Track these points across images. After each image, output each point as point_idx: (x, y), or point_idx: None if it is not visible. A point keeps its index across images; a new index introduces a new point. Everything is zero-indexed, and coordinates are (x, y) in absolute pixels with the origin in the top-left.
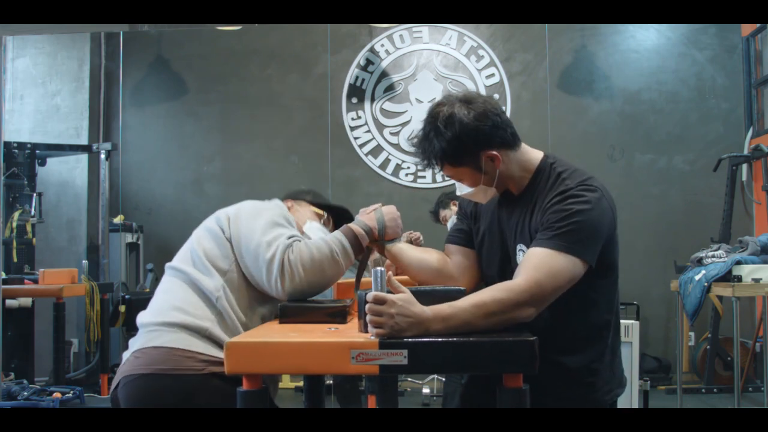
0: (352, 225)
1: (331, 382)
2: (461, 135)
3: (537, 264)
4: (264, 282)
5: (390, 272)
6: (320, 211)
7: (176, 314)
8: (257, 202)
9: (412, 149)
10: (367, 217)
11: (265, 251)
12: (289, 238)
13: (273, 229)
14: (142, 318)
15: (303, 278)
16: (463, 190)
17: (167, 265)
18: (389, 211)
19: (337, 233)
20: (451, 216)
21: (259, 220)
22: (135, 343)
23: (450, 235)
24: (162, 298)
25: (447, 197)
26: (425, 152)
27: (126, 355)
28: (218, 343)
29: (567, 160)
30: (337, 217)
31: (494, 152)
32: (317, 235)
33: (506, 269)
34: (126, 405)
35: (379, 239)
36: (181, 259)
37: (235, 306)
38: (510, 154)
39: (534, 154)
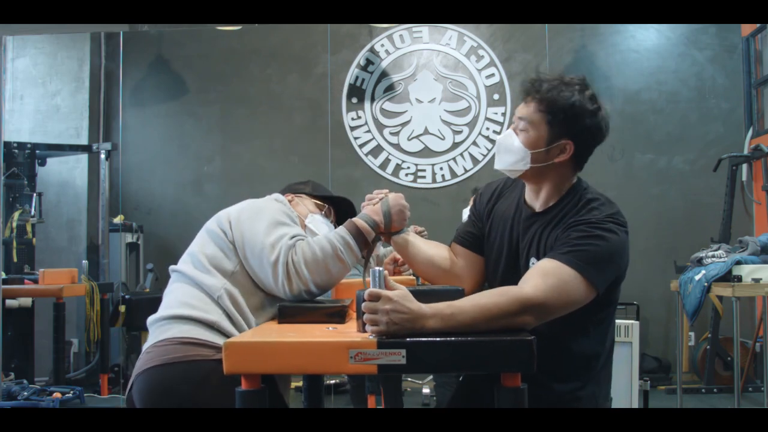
0: (356, 220)
1: (333, 382)
2: (583, 112)
3: (546, 275)
4: (271, 284)
5: (386, 272)
6: (321, 203)
7: (184, 308)
8: (258, 201)
9: (526, 83)
10: (371, 210)
11: (269, 254)
12: (292, 237)
13: (275, 230)
14: (150, 319)
15: (308, 278)
16: (507, 141)
17: (171, 268)
18: (396, 201)
19: (341, 229)
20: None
21: (261, 221)
22: (146, 343)
23: (459, 236)
24: (168, 298)
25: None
26: (550, 84)
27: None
28: (227, 336)
29: (598, 190)
30: (338, 207)
31: (571, 144)
32: (322, 229)
33: (508, 279)
34: (140, 398)
35: (384, 231)
36: (183, 262)
37: (242, 307)
38: (570, 168)
39: (571, 181)
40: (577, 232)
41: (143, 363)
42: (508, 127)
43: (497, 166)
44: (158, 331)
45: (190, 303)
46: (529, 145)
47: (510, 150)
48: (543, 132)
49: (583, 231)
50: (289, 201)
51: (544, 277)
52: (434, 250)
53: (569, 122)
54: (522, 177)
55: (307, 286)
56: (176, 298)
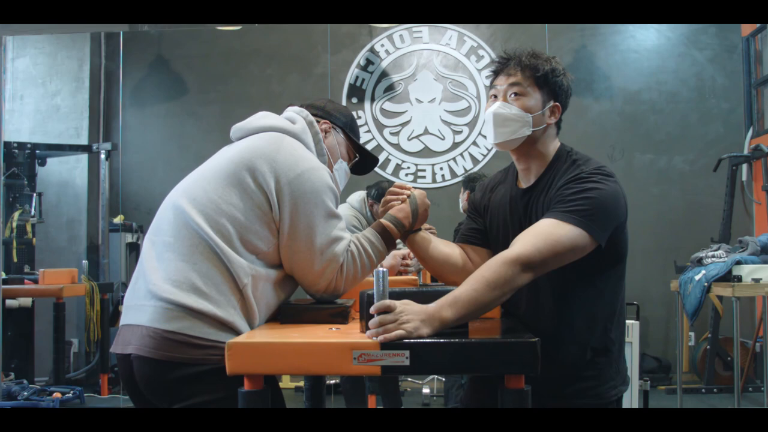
0: (388, 225)
1: (335, 381)
2: (560, 74)
3: (537, 231)
4: (304, 282)
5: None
6: (353, 151)
7: (196, 299)
8: (313, 172)
9: (500, 60)
10: (400, 211)
11: (319, 260)
12: (341, 240)
13: (328, 229)
14: (154, 282)
15: (343, 290)
16: (504, 111)
17: (191, 219)
18: (422, 201)
19: (378, 239)
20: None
21: (318, 210)
22: (143, 311)
23: (464, 235)
24: (183, 264)
25: (467, 182)
26: (537, 57)
27: (133, 316)
28: (237, 333)
29: (581, 152)
30: (363, 158)
31: (558, 106)
32: (341, 180)
33: None
34: (143, 386)
35: (408, 231)
36: (209, 223)
37: (260, 293)
38: (554, 132)
39: (556, 144)
40: (566, 190)
41: (144, 344)
42: (487, 105)
43: (497, 139)
44: (162, 313)
45: (204, 291)
46: (528, 109)
47: (509, 119)
48: (537, 95)
49: (573, 187)
50: (324, 131)
51: (535, 234)
52: (449, 249)
53: (554, 85)
54: (517, 151)
55: (337, 295)
56: (190, 275)
